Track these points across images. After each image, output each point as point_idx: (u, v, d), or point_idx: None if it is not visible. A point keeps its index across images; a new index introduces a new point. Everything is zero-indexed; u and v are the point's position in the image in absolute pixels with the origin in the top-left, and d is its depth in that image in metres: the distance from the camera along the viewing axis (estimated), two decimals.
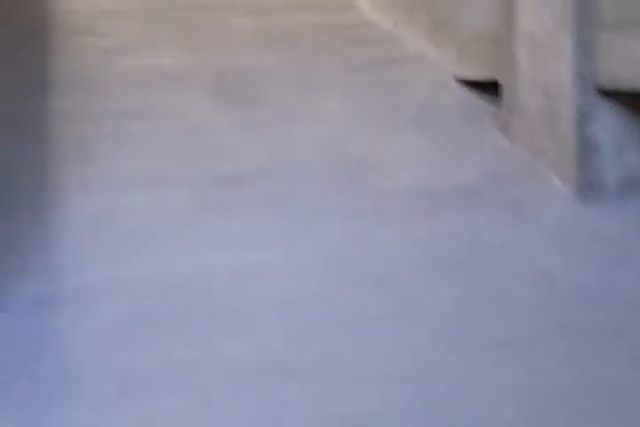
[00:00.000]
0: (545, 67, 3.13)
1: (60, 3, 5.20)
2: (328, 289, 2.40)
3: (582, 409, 1.91)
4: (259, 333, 2.20)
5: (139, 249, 2.58)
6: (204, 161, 3.22)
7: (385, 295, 2.36)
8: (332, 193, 2.97)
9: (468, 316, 2.25)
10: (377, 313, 2.28)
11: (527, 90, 3.24)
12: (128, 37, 4.65)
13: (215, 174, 3.11)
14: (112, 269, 2.46)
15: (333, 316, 2.28)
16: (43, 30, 4.70)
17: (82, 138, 3.42)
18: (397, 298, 2.34)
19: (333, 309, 2.30)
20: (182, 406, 1.94)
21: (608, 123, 2.95)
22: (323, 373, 2.03)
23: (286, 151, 3.28)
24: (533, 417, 1.88)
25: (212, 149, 3.31)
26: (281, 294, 2.36)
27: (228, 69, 4.17)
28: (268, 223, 2.75)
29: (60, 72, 4.11)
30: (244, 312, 2.27)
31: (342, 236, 2.68)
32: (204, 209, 2.86)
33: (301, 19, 4.98)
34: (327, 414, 1.88)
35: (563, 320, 2.25)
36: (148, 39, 4.62)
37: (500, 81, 3.50)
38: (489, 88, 3.82)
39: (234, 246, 2.61)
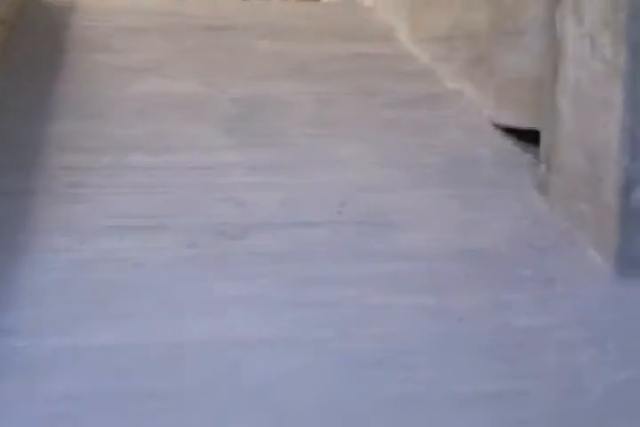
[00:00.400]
0: (590, 120, 2.82)
1: (79, 19, 4.96)
2: (327, 367, 2.10)
3: None
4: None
5: (105, 311, 2.30)
6: (202, 205, 2.93)
7: (398, 377, 2.06)
8: (343, 254, 2.67)
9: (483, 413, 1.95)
10: (381, 387, 1.98)
11: (569, 145, 2.93)
12: (144, 57, 4.39)
13: (212, 222, 2.82)
14: (68, 336, 2.17)
15: (327, 391, 1.99)
16: (58, 47, 4.45)
17: (74, 170, 3.15)
18: (415, 382, 2.04)
19: (326, 387, 2.01)
20: None
21: None
22: None
23: (297, 201, 2.99)
24: None
25: (215, 192, 3.02)
26: (267, 377, 2.06)
27: (245, 99, 3.90)
28: (263, 288, 2.46)
29: (67, 94, 3.86)
30: (218, 403, 1.98)
31: (349, 308, 2.38)
32: (192, 264, 2.57)
33: (332, 47, 4.71)
34: None
35: None
36: (165, 60, 4.36)
37: (540, 131, 3.20)
38: (528, 133, 3.52)
39: (219, 314, 2.32)
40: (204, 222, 2.82)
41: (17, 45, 4.37)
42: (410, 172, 3.27)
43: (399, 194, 3.10)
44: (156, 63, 4.31)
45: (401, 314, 2.35)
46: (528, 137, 3.49)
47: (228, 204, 2.94)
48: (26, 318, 2.27)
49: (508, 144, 3.58)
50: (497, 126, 3.68)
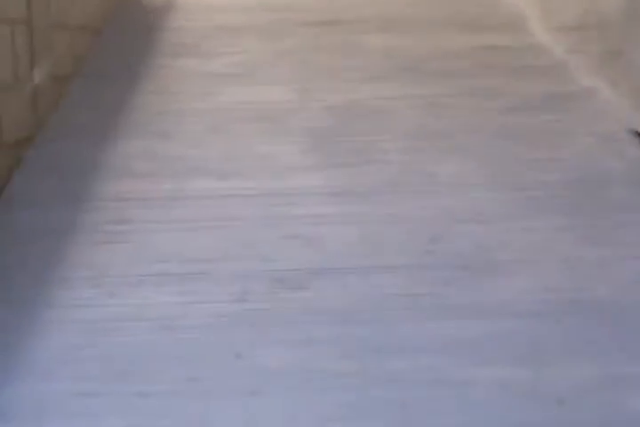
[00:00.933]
0: None
1: (174, 19, 4.63)
2: None
3: None
4: None
5: (118, 389, 1.91)
6: (263, 244, 2.52)
7: None
8: (423, 311, 2.20)
9: None
10: None
11: None
12: (236, 60, 4.01)
13: (270, 268, 2.40)
14: (71, 423, 1.80)
15: None
16: (143, 52, 4.12)
17: (125, 202, 2.78)
18: None
19: None
20: None
21: None
22: None
23: (378, 237, 2.54)
24: None
25: (280, 227, 2.60)
26: None
27: (340, 107, 3.46)
28: (317, 359, 2.02)
29: (139, 107, 3.51)
30: None
31: (418, 387, 1.92)
32: (235, 326, 2.16)
33: (450, 40, 4.20)
34: None
35: None
36: (258, 63, 3.96)
37: None
38: None
39: (257, 400, 1.90)
40: (261, 267, 2.40)
41: (99, 52, 4.06)
42: (521, 195, 2.77)
43: (505, 225, 2.60)
44: (246, 67, 3.92)
45: (483, 394, 1.87)
46: None
47: (293, 242, 2.51)
48: (25, 397, 1.91)
49: None
50: (634, 134, 3.12)
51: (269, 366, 1.98)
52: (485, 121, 3.33)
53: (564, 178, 2.87)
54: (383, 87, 3.66)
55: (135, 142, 3.20)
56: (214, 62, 4.00)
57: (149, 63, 3.96)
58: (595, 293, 2.24)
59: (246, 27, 4.46)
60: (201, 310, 2.21)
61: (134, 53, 4.09)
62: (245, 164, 3.02)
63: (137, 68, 3.89)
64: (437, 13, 4.60)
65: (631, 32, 3.08)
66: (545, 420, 1.82)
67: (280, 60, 4.01)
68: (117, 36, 4.28)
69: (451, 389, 1.91)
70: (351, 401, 1.86)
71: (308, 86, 3.68)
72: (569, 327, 2.10)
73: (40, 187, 2.90)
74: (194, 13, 4.75)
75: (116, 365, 2.00)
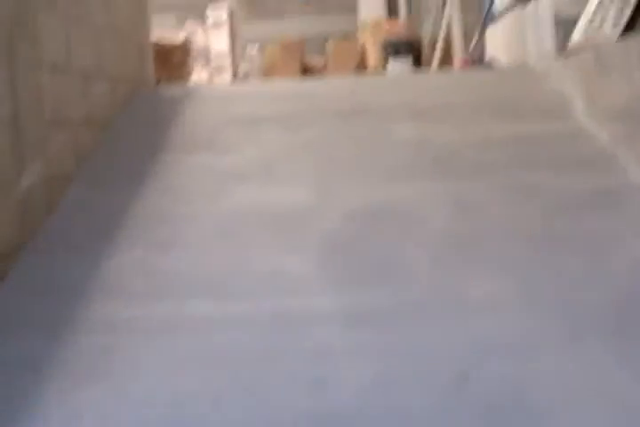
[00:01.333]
0: None
1: (189, 109, 4.38)
2: None
3: None
4: None
5: None
6: (259, 389, 2.20)
7: None
8: None
9: None
10: None
11: None
12: (251, 156, 3.74)
13: (266, 419, 2.07)
14: None
15: None
16: (153, 148, 3.87)
17: (108, 330, 2.48)
18: None
19: None
20: None
21: None
22: None
23: (397, 374, 2.21)
24: None
25: (281, 365, 2.28)
26: None
27: (362, 211, 3.16)
28: None
29: (140, 213, 3.24)
30: None
31: None
32: None
33: (487, 128, 3.90)
34: None
35: None
36: (275, 159, 3.69)
37: None
38: None
39: None
40: (258, 415, 2.07)
41: (105, 149, 3.81)
42: (562, 319, 2.42)
43: (543, 357, 2.26)
44: (262, 165, 3.64)
45: None
46: None
47: (295, 385, 2.18)
48: None
49: None
50: None
51: None
52: (523, 225, 3.01)
53: (615, 295, 2.52)
54: (411, 185, 3.35)
55: (133, 254, 2.92)
56: (228, 158, 3.73)
57: (158, 160, 3.70)
58: None
59: (265, 117, 4.19)
60: None
61: (143, 149, 3.83)
62: (251, 280, 2.71)
63: (144, 167, 3.63)
64: (472, 98, 4.30)
65: None
66: None
67: (299, 154, 3.73)
68: (127, 131, 4.04)
69: None
70: None
71: (328, 186, 3.39)
72: None
73: (18, 310, 2.61)
74: (211, 104, 4.51)
75: None
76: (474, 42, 6.24)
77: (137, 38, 4.78)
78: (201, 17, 11.59)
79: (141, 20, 4.89)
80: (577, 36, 4.33)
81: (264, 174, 3.55)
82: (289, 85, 5.02)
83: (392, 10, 13.68)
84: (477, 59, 5.88)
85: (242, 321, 2.49)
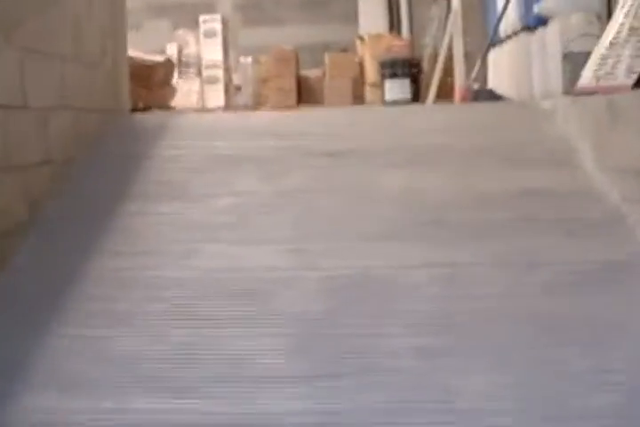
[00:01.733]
0: None
1: (164, 145, 4.07)
2: None
3: None
4: None
5: None
6: None
7: None
8: None
9: None
10: None
11: None
12: (226, 205, 3.43)
13: None
14: None
15: None
16: (117, 193, 3.55)
17: None
18: None
19: None
20: None
21: None
22: None
23: None
24: None
25: None
26: None
27: (341, 282, 2.86)
28: None
29: (98, 274, 2.92)
30: None
31: None
32: None
33: (486, 178, 3.60)
34: None
35: None
36: (252, 209, 3.39)
37: None
38: None
39: None
40: None
41: (63, 195, 3.50)
42: None
43: None
44: (237, 216, 3.33)
45: None
46: None
47: None
48: None
49: None
50: None
51: None
52: (521, 305, 2.71)
53: (618, 401, 2.21)
54: (397, 250, 3.04)
55: (78, 334, 2.60)
56: (200, 208, 3.42)
57: (122, 210, 3.39)
58: None
59: (246, 158, 3.88)
60: None
61: (106, 196, 3.52)
62: (209, 372, 2.40)
63: (105, 219, 3.31)
64: (471, 142, 3.99)
65: None
66: None
67: (276, 205, 3.42)
68: (90, 173, 3.72)
69: None
70: None
71: (307, 247, 3.08)
72: None
73: None
74: (190, 139, 4.20)
75: None
76: (476, 68, 5.93)
77: (108, 64, 4.46)
78: (197, 23, 11.26)
79: (114, 44, 4.57)
80: (587, 74, 4.02)
81: (237, 229, 3.24)
82: (276, 117, 4.71)
83: (394, 22, 13.36)
84: (479, 89, 5.57)
85: None
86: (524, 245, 3.05)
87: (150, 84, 5.49)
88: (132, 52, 5.68)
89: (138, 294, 2.81)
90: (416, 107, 6.52)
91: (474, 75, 5.82)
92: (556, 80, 4.69)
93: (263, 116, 4.75)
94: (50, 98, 3.59)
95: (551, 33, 4.78)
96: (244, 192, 3.55)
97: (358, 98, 10.24)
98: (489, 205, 3.36)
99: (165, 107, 5.96)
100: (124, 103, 4.75)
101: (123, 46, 4.78)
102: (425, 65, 11.50)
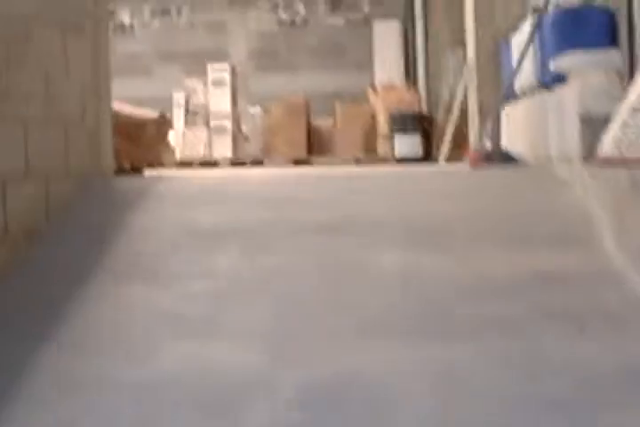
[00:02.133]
0: None
1: (142, 213, 3.72)
2: None
3: None
4: None
5: None
6: None
7: None
8: None
9: None
10: None
11: None
12: (202, 289, 3.07)
13: None
14: None
15: None
16: (83, 270, 3.19)
17: None
18: None
19: None
20: None
21: None
22: None
23: None
24: None
25: None
26: None
27: (320, 389, 2.46)
28: None
29: (49, 371, 2.55)
30: None
31: None
32: None
33: (495, 259, 3.22)
34: None
35: None
36: (225, 297, 3.02)
37: None
38: None
39: None
40: None
41: (21, 274, 3.14)
42: None
43: None
44: (212, 303, 2.96)
45: None
46: None
47: None
48: None
49: None
50: None
51: None
52: (530, 419, 2.30)
53: None
54: (388, 348, 2.66)
55: None
56: (171, 293, 3.05)
57: (84, 294, 3.02)
58: None
59: (229, 230, 3.52)
60: None
61: (68, 275, 3.16)
62: None
63: (62, 304, 2.95)
64: (478, 215, 3.62)
65: None
66: None
67: (259, 291, 3.04)
68: (53, 247, 3.37)
69: None
70: None
71: (286, 345, 2.70)
72: None
73: None
74: (169, 206, 3.85)
75: None
76: (489, 126, 5.56)
77: (89, 123, 4.13)
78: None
79: (96, 102, 4.24)
80: (608, 141, 3.64)
81: (210, 321, 2.86)
82: (270, 176, 4.35)
83: (410, 69, 13.07)
84: (493, 149, 5.21)
85: None
86: (533, 344, 2.66)
87: (141, 143, 5.14)
88: (123, 109, 5.36)
89: (86, 400, 2.43)
90: (424, 168, 6.15)
91: (486, 135, 5.45)
92: (574, 143, 4.32)
93: (257, 176, 4.39)
94: (9, 165, 3.25)
95: (568, 92, 4.41)
96: (222, 273, 3.18)
97: (370, 150, 9.91)
98: (496, 293, 2.97)
99: (159, 165, 5.62)
100: (107, 165, 4.40)
101: (106, 103, 4.44)
102: (440, 114, 11.20)
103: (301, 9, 13.55)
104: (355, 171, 5.89)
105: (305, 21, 13.55)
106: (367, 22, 13.32)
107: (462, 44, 8.59)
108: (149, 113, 5.49)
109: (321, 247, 3.35)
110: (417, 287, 3.03)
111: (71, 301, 2.97)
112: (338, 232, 3.48)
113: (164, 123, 5.48)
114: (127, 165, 4.89)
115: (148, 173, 5.20)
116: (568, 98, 4.40)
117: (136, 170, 5.13)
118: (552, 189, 3.90)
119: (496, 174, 4.49)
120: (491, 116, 5.58)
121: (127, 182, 4.32)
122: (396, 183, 4.26)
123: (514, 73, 5.47)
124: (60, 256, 3.34)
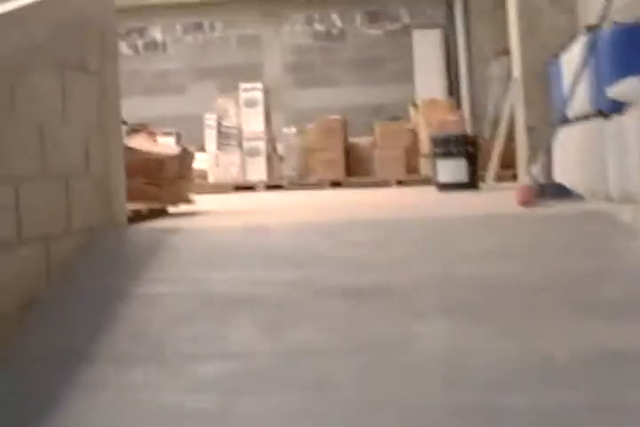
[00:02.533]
0: None
1: (150, 278, 3.31)
2: None
3: None
4: None
5: None
6: None
7: None
8: None
9: None
10: None
11: None
12: (212, 375, 2.66)
13: None
14: None
15: None
16: (79, 350, 2.79)
17: None
18: None
19: None
20: None
21: None
22: None
23: None
24: None
25: None
26: None
27: None
28: None
29: None
30: None
31: None
32: None
33: (551, 336, 2.78)
34: None
35: None
36: (243, 384, 2.60)
37: None
38: None
39: None
40: None
41: (9, 356, 2.75)
42: None
43: None
44: (215, 398, 2.54)
45: None
46: None
47: None
48: None
49: None
50: None
51: None
52: None
53: None
54: None
55: None
56: (174, 380, 2.64)
57: (75, 380, 2.62)
58: None
59: (246, 299, 3.11)
60: None
61: (60, 356, 2.76)
62: None
63: (50, 395, 2.55)
64: (531, 274, 3.17)
65: None
66: None
67: (276, 380, 2.62)
68: (49, 320, 2.98)
69: None
70: None
71: None
72: None
73: None
74: (183, 264, 3.45)
75: None
76: (539, 161, 5.08)
77: (95, 170, 3.74)
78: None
79: (104, 145, 3.85)
80: None
81: (215, 422, 2.44)
82: (295, 232, 3.93)
83: (452, 82, 12.60)
84: (545, 182, 4.75)
85: None
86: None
87: (161, 181, 4.75)
88: (141, 145, 4.97)
89: None
90: (470, 199, 5.69)
91: (536, 169, 4.98)
92: (637, 179, 3.85)
93: (281, 229, 3.96)
94: (5, 230, 2.88)
95: (629, 122, 3.94)
96: (236, 353, 2.76)
97: (412, 171, 9.45)
98: (554, 381, 2.52)
99: (184, 201, 5.22)
100: (119, 212, 4.02)
101: (117, 144, 4.06)
102: (486, 128, 10.71)
103: (337, 20, 13.13)
104: (391, 209, 5.46)
105: (341, 33, 13.12)
106: (406, 32, 12.87)
107: (507, 52, 8.13)
108: (170, 148, 5.10)
109: (350, 320, 2.93)
110: (461, 373, 2.59)
111: (61, 390, 2.57)
112: (371, 300, 3.05)
113: (187, 157, 5.08)
114: (146, 208, 4.49)
115: (168, 215, 4.82)
116: (629, 128, 3.94)
117: (156, 212, 4.74)
118: (616, 239, 3.44)
119: (551, 218, 4.02)
120: (542, 149, 5.11)
121: (138, 235, 3.91)
122: (434, 231, 3.82)
123: (566, 100, 5.00)
124: (52, 334, 2.94)
